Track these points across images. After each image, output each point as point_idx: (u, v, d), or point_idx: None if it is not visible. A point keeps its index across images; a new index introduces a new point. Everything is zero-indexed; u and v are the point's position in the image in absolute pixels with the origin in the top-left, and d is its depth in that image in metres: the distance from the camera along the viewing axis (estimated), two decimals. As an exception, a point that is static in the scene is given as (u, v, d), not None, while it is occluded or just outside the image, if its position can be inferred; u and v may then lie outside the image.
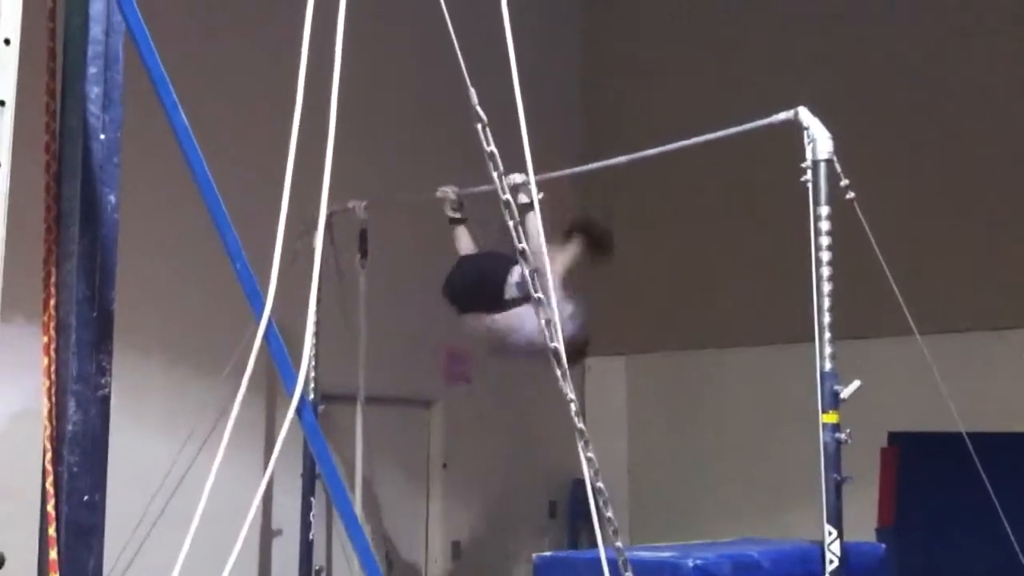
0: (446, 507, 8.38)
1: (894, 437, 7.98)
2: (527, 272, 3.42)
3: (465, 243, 5.68)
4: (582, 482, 3.57)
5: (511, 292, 4.97)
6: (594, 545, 3.61)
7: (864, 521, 7.41)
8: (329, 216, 5.79)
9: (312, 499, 6.49)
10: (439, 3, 3.21)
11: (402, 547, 8.03)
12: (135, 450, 5.60)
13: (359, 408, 6.74)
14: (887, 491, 7.88)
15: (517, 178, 4.19)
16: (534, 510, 9.07)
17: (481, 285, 5.16)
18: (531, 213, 5.08)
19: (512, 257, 4.52)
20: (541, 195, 3.67)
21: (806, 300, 4.57)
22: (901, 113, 8.31)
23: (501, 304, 5.01)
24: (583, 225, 5.63)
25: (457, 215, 5.69)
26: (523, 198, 5.05)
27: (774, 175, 5.28)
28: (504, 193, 3.38)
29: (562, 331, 4.04)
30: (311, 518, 6.48)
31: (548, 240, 3.85)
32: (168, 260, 6.53)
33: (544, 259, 4.70)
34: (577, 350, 5.01)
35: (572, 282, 5.27)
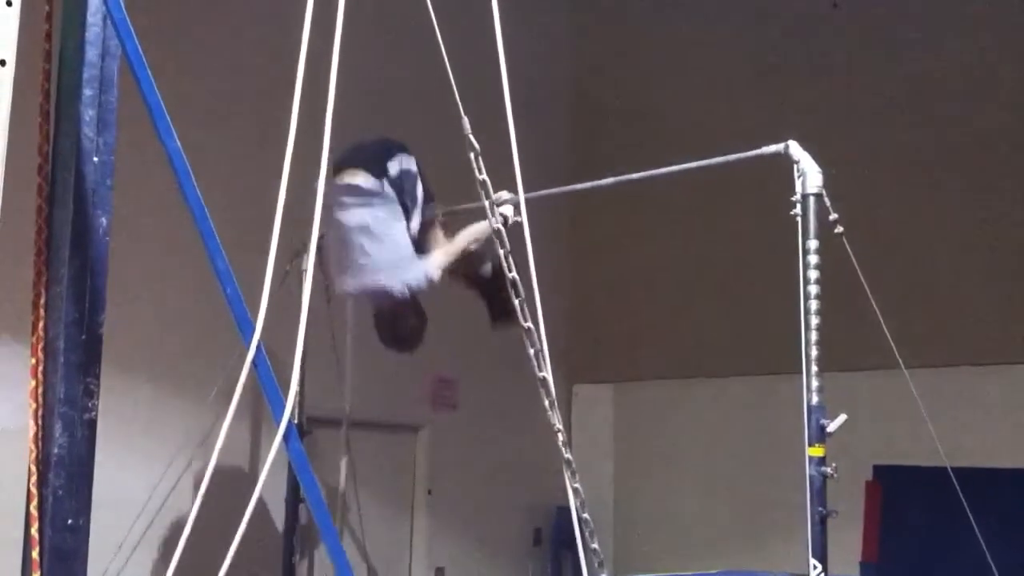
0: (431, 533, 8.34)
1: (879, 471, 7.99)
2: (518, 302, 3.41)
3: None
4: (567, 510, 3.56)
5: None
6: (578, 573, 3.59)
7: (848, 555, 7.41)
8: (319, 239, 5.85)
9: (296, 523, 6.46)
10: (433, 28, 3.22)
11: (386, 573, 7.98)
12: (118, 473, 5.56)
13: (344, 432, 6.72)
14: (871, 525, 7.88)
15: (503, 195, 4.20)
16: (519, 538, 9.04)
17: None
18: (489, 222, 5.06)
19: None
20: (518, 217, 3.63)
21: (794, 332, 4.58)
22: (890, 148, 8.36)
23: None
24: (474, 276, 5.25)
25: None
26: (506, 210, 5.02)
27: (764, 205, 5.31)
28: (496, 222, 3.39)
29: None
30: (294, 542, 6.45)
31: None
32: (157, 283, 6.51)
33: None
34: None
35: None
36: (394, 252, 4.58)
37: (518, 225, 3.85)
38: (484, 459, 8.62)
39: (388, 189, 4.61)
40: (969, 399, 7.61)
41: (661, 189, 6.46)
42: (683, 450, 9.10)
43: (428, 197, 4.60)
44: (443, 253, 4.86)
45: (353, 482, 6.81)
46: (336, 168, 4.51)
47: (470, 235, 4.98)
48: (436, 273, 4.73)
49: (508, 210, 4.85)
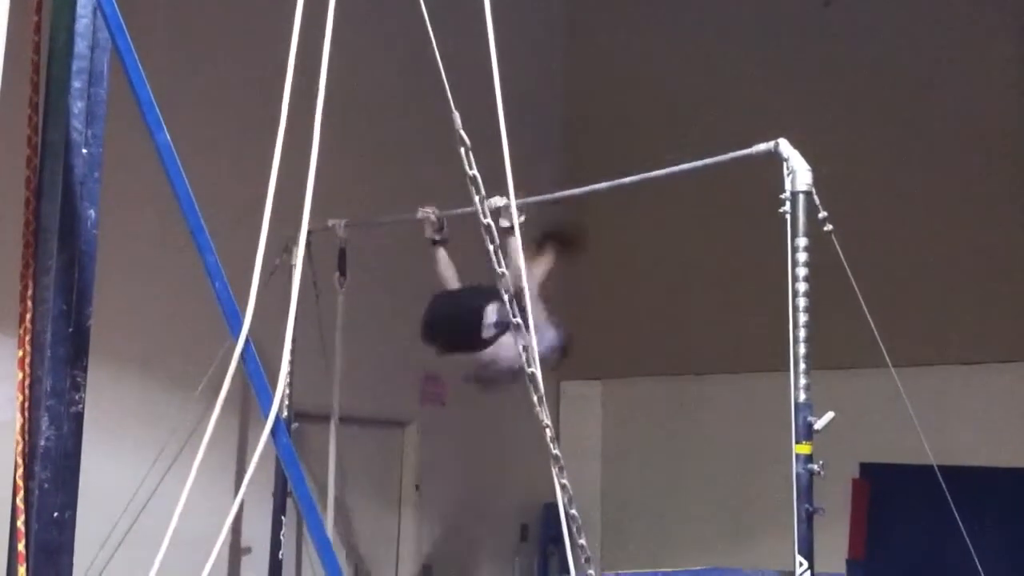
0: (418, 528, 8.34)
1: (866, 469, 8.02)
2: (506, 296, 3.42)
3: (445, 266, 5.67)
4: (554, 506, 3.57)
5: (489, 332, 4.95)
6: (564, 570, 3.59)
7: (835, 552, 7.44)
8: (308, 234, 5.84)
9: (283, 518, 6.45)
10: (425, 26, 3.22)
11: (373, 568, 7.98)
12: (104, 467, 5.55)
13: (333, 427, 6.71)
14: (858, 523, 7.91)
15: (498, 201, 4.19)
16: (506, 533, 9.05)
17: (458, 325, 5.15)
18: (512, 237, 5.14)
19: (487, 293, 4.55)
20: (522, 218, 3.65)
21: (782, 330, 4.59)
22: (880, 146, 8.39)
23: (480, 343, 5.00)
24: (552, 232, 5.63)
25: (438, 236, 5.69)
26: (504, 222, 5.09)
27: (754, 203, 5.31)
28: (485, 217, 3.38)
29: (541, 354, 4.10)
30: (281, 537, 6.44)
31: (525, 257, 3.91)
32: (145, 276, 6.49)
33: (524, 282, 4.78)
34: (551, 368, 5.05)
35: (549, 300, 5.27)
36: None
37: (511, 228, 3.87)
38: (472, 455, 8.63)
39: None
40: (956, 398, 7.65)
41: (652, 188, 6.45)
42: (671, 447, 9.12)
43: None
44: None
45: (341, 477, 6.81)
46: None
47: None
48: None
49: (504, 222, 4.96)
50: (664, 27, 9.66)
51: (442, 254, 5.69)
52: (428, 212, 5.70)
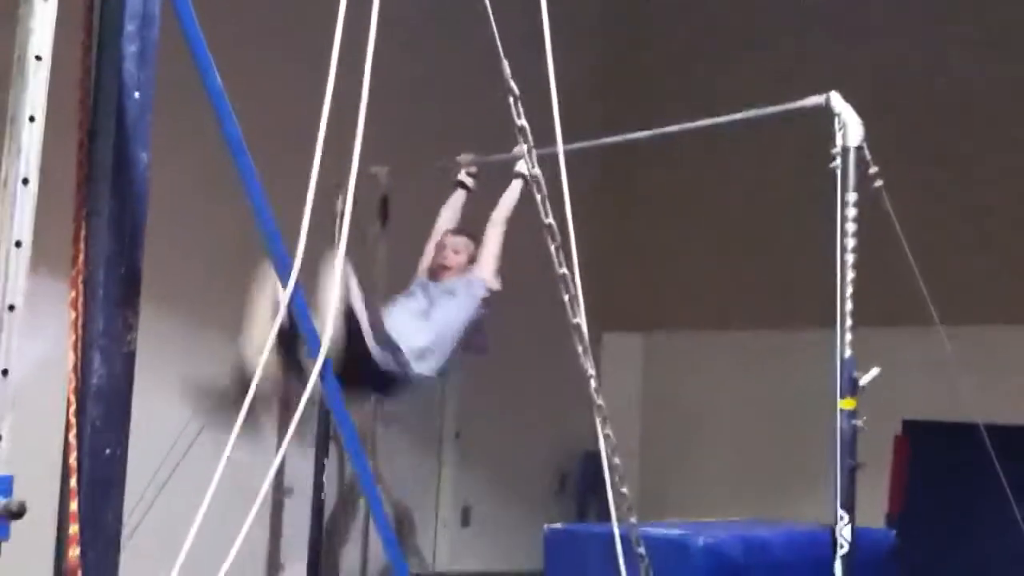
0: (457, 475, 8.43)
1: (908, 425, 7.98)
2: (552, 246, 3.40)
3: (450, 210, 5.64)
4: (592, 455, 3.58)
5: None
6: (603, 518, 3.61)
7: (874, 507, 7.42)
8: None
9: (325, 460, 6.54)
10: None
11: (413, 512, 8.08)
12: (151, 406, 5.62)
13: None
14: (898, 479, 7.89)
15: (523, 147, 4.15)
16: (544, 481, 9.11)
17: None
18: (516, 182, 5.15)
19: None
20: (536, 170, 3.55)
21: (827, 285, 4.57)
22: (931, 103, 8.25)
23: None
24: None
25: (467, 180, 5.68)
26: (520, 167, 5.07)
27: (802, 157, 5.26)
28: (534, 167, 3.37)
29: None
30: (324, 479, 6.53)
31: None
32: (194, 219, 6.55)
33: (499, 227, 4.81)
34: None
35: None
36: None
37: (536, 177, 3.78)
38: (512, 404, 8.67)
39: None
40: (1002, 357, 7.56)
41: (696, 140, 6.41)
42: (711, 400, 9.11)
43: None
44: (492, 257, 4.99)
45: (382, 423, 6.88)
46: None
47: (502, 222, 5.12)
48: (493, 281, 5.02)
49: (522, 166, 4.93)
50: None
51: (459, 196, 5.67)
52: (468, 158, 5.72)
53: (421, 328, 4.65)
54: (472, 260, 5.16)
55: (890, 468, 7.89)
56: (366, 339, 4.07)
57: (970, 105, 8.11)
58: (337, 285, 3.48)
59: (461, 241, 5.22)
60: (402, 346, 4.42)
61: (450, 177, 5.80)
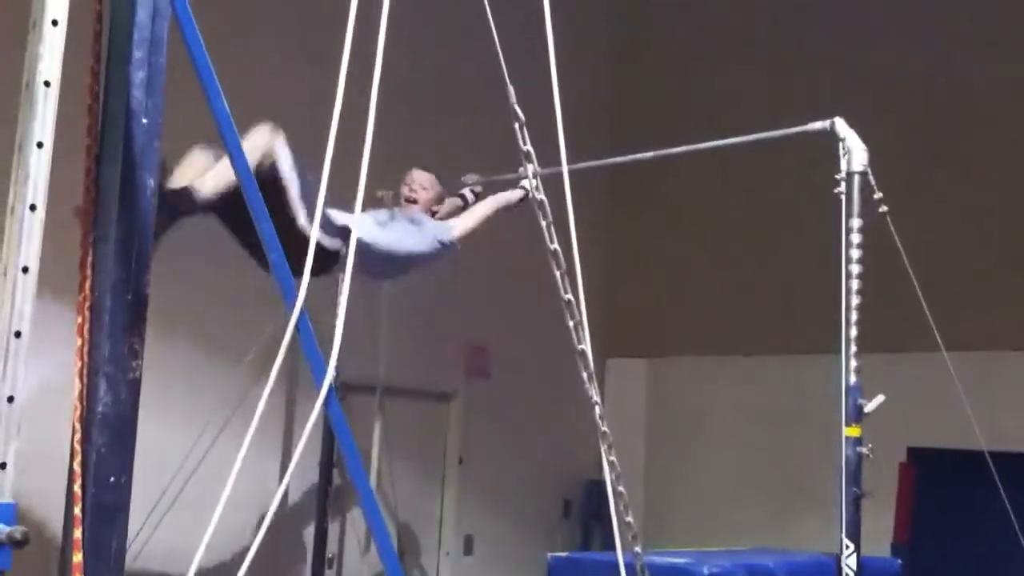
0: (461, 501, 8.39)
1: (913, 453, 7.95)
2: (558, 273, 3.40)
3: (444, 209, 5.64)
4: (596, 483, 3.58)
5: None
6: (606, 546, 3.59)
7: (879, 536, 7.38)
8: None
9: (328, 487, 6.52)
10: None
11: (415, 539, 8.04)
12: (154, 433, 5.61)
13: (378, 399, 6.76)
14: (904, 507, 7.85)
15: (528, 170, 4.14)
16: (548, 508, 9.08)
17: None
18: (519, 190, 5.19)
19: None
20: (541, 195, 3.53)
21: (831, 311, 4.56)
22: (935, 129, 8.26)
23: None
24: None
25: (468, 196, 5.72)
26: (526, 183, 5.10)
27: (806, 183, 5.27)
28: (539, 192, 3.37)
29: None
30: (327, 506, 6.51)
31: None
32: (199, 245, 6.53)
33: (490, 206, 4.80)
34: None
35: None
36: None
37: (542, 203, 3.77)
38: (517, 429, 8.65)
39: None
40: (1008, 383, 7.54)
41: (701, 164, 6.43)
42: (716, 427, 9.08)
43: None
44: (471, 220, 4.99)
45: (386, 448, 6.86)
46: None
47: (495, 203, 5.13)
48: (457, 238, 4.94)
49: (527, 185, 4.95)
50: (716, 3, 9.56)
51: (453, 200, 5.68)
52: (473, 179, 5.77)
53: (374, 232, 4.59)
54: (440, 201, 5.23)
55: (896, 496, 7.85)
56: (292, 206, 4.00)
57: (982, 128, 8.10)
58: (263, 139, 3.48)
59: (428, 177, 5.23)
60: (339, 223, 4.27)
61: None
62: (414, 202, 5.13)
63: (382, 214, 4.94)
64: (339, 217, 4.26)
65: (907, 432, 7.59)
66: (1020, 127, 7.94)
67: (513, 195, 5.29)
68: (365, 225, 4.53)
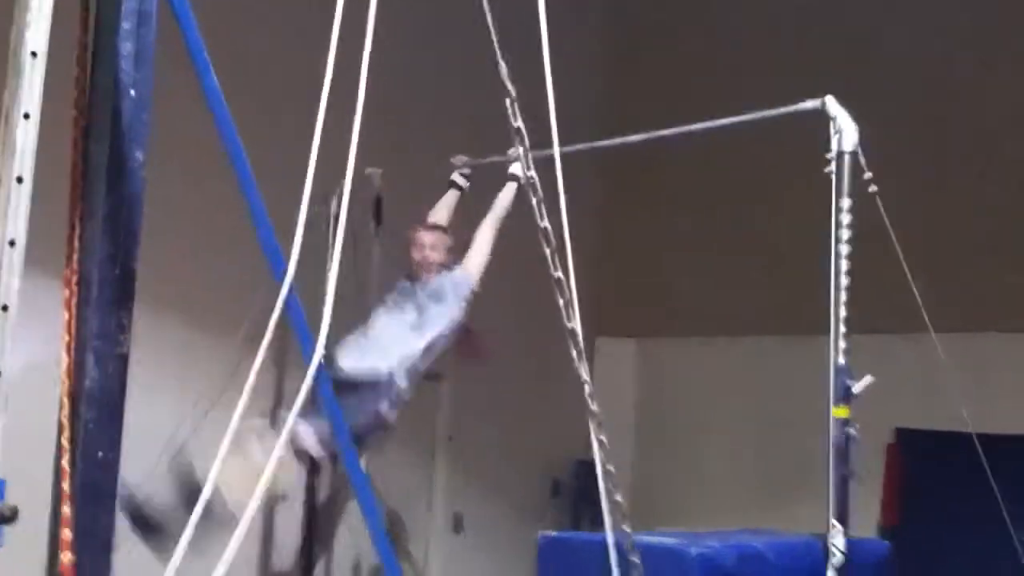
0: (450, 480, 8.39)
1: (901, 435, 7.97)
2: (548, 250, 3.38)
3: (444, 208, 5.67)
4: (586, 463, 3.57)
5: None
6: (596, 526, 3.59)
7: (867, 518, 7.41)
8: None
9: (317, 465, 6.50)
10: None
11: (405, 518, 8.04)
12: (142, 409, 5.59)
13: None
14: (891, 488, 7.87)
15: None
16: (537, 488, 9.08)
17: None
18: (510, 184, 5.22)
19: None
20: (531, 173, 3.53)
21: (821, 292, 4.56)
22: (926, 109, 8.25)
23: None
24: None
25: (461, 182, 5.72)
26: (515, 169, 5.14)
27: (796, 162, 5.25)
28: (529, 169, 3.35)
29: None
30: (316, 484, 6.50)
31: None
32: (189, 220, 6.51)
33: (491, 228, 4.88)
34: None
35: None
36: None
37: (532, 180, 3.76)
38: (506, 409, 8.64)
39: None
40: (996, 365, 7.56)
41: (693, 144, 6.40)
42: (705, 407, 9.09)
43: None
44: (481, 256, 5.04)
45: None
46: None
47: (495, 220, 5.17)
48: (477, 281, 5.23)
49: (517, 168, 4.96)
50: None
51: (451, 196, 5.69)
52: (462, 160, 5.76)
53: (415, 338, 4.72)
54: (449, 244, 5.28)
55: (883, 477, 7.88)
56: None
57: (971, 109, 8.10)
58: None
59: (434, 236, 5.30)
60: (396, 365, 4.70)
61: (446, 178, 5.82)
62: (430, 263, 5.19)
63: (404, 313, 5.00)
64: (400, 379, 4.68)
65: (895, 414, 7.61)
66: (1012, 106, 7.93)
67: (507, 196, 5.31)
68: (410, 342, 4.76)
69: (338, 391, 3.26)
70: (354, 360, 4.68)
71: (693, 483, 8.95)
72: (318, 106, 2.85)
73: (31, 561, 2.60)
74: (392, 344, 4.84)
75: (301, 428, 4.13)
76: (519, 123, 3.26)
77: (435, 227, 5.37)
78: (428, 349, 4.91)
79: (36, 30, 2.17)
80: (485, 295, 8.16)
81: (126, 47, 2.44)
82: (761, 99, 5.07)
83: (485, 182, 5.67)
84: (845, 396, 4.40)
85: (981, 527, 5.64)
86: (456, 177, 5.72)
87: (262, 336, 2.67)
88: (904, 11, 8.48)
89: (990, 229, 7.94)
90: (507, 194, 5.34)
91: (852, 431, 4.39)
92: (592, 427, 3.45)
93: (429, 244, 5.21)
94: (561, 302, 3.45)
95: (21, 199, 2.14)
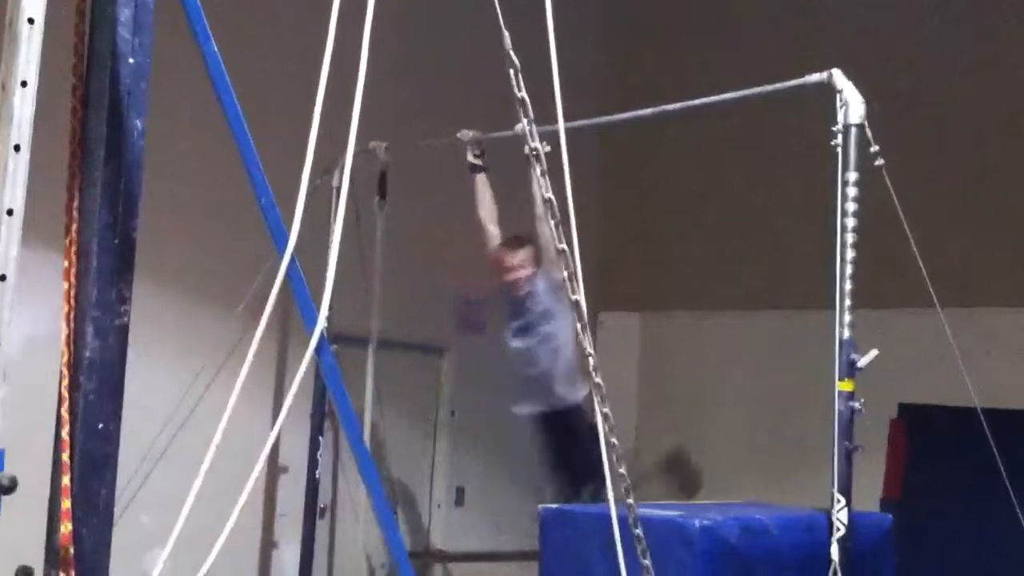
0: (452, 454, 8.40)
1: (905, 409, 7.96)
2: (552, 223, 3.36)
3: (484, 196, 5.66)
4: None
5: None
6: (599, 499, 3.58)
7: (870, 491, 7.41)
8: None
9: (320, 438, 6.52)
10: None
11: (407, 491, 8.06)
12: (145, 380, 5.60)
13: (371, 351, 6.74)
14: (895, 463, 7.87)
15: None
16: (539, 461, 9.08)
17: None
18: (480, 176, 5.32)
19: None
20: (547, 147, 3.50)
21: (827, 266, 4.53)
22: (933, 81, 8.18)
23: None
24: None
25: (479, 161, 5.67)
26: (472, 159, 5.24)
27: (804, 136, 5.22)
28: (533, 141, 3.32)
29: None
30: (319, 456, 6.51)
31: None
32: (189, 190, 6.49)
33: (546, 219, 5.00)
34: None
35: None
36: None
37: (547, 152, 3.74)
38: (508, 382, 8.63)
39: None
40: (1002, 340, 7.53)
41: (697, 117, 6.36)
42: (709, 381, 9.07)
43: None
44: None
45: (377, 400, 6.85)
46: None
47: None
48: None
49: (473, 158, 5.05)
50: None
51: (482, 179, 5.67)
52: (469, 135, 5.71)
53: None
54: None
55: (886, 451, 7.87)
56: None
57: (974, 85, 8.04)
58: None
59: (524, 255, 5.55)
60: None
61: (459, 154, 5.79)
62: (520, 282, 5.53)
63: (549, 340, 5.63)
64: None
65: (898, 388, 7.59)
66: (1019, 80, 7.87)
67: (484, 191, 5.65)
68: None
69: None
70: None
71: (696, 456, 8.94)
72: (319, 80, 2.82)
73: (31, 531, 2.60)
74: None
75: None
76: (523, 93, 3.23)
77: (517, 242, 5.49)
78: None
79: (33, -4, 2.15)
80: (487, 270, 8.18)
81: (124, 14, 2.42)
82: (767, 74, 5.03)
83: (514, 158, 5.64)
84: (850, 370, 4.38)
85: (984, 502, 5.64)
86: (474, 160, 5.71)
87: (265, 307, 2.65)
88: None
89: (997, 204, 7.89)
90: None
91: (857, 405, 4.37)
92: (596, 399, 3.44)
93: (519, 263, 5.52)
94: (565, 274, 3.43)
95: (19, 168, 2.12)
